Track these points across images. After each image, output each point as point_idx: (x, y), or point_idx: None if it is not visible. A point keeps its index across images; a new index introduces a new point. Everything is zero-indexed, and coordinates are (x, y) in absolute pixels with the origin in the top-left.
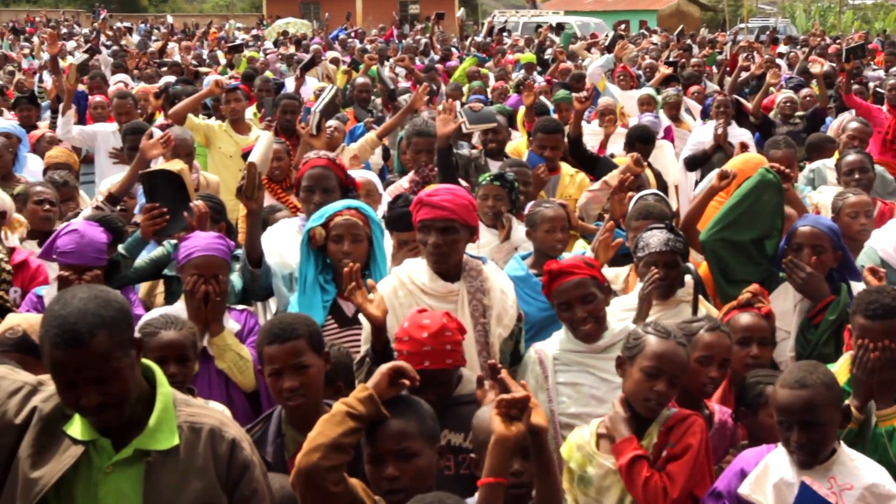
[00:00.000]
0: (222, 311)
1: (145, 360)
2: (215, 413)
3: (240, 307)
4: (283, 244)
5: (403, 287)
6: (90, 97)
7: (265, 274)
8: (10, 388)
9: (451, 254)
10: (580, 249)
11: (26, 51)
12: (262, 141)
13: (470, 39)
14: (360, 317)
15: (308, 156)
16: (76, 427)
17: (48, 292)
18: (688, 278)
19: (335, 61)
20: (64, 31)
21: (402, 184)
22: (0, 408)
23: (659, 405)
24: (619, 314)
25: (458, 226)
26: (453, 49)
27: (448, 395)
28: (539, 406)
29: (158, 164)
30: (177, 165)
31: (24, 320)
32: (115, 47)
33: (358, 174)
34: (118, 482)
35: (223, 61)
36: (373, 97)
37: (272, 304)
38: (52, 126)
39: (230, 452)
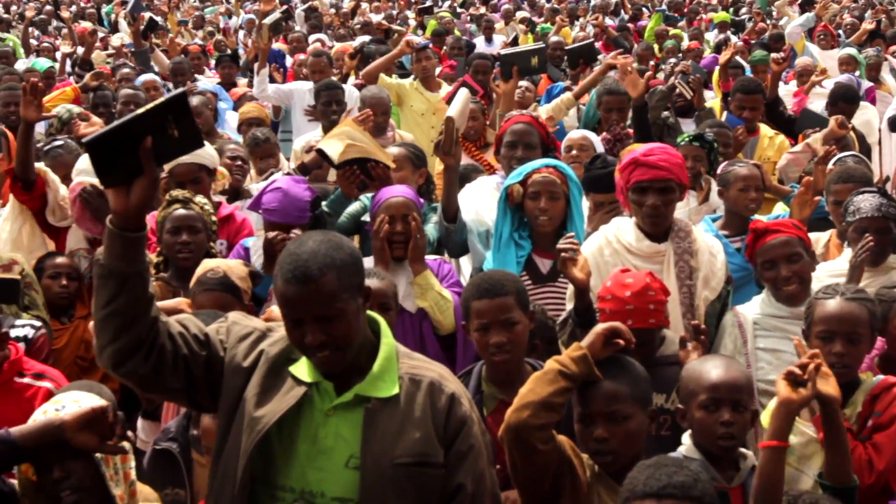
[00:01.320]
0: (423, 250)
1: (371, 313)
2: (436, 367)
3: (433, 256)
4: (481, 202)
5: (609, 246)
6: (291, 56)
7: (460, 230)
8: (241, 332)
9: (668, 214)
10: (779, 213)
11: (222, 9)
12: (459, 96)
13: None
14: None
15: (511, 113)
16: (302, 369)
17: (255, 244)
18: None
19: (525, 21)
20: None
21: None
22: (230, 351)
23: (845, 367)
24: (826, 280)
25: (674, 185)
26: (644, 9)
27: (650, 355)
28: (831, 376)
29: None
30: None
31: (223, 263)
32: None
33: (578, 133)
34: (338, 425)
35: (413, 22)
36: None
37: (467, 260)
38: (251, 85)
39: (449, 406)
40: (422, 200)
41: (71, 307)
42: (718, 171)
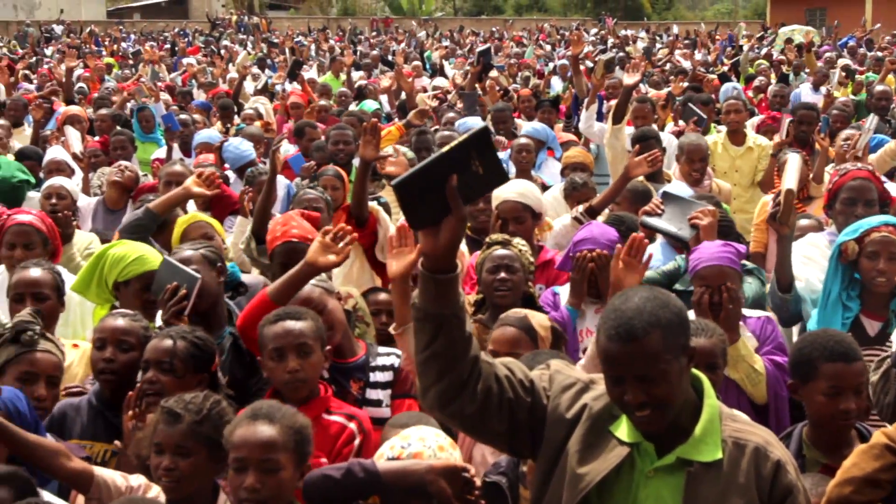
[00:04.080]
0: (736, 321)
1: (695, 371)
2: (761, 431)
3: (758, 313)
4: (812, 265)
5: None
6: (606, 101)
7: (795, 301)
8: (564, 382)
9: None
10: None
11: (540, 51)
12: (792, 165)
13: None
14: None
15: (845, 167)
16: (623, 429)
17: (563, 291)
18: None
19: (845, 68)
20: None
21: None
22: (554, 400)
23: None
24: None
25: None
26: None
27: None
28: None
29: None
30: None
31: (527, 311)
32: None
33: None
34: (658, 488)
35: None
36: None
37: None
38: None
39: (774, 474)
40: (742, 249)
41: (391, 341)
42: None
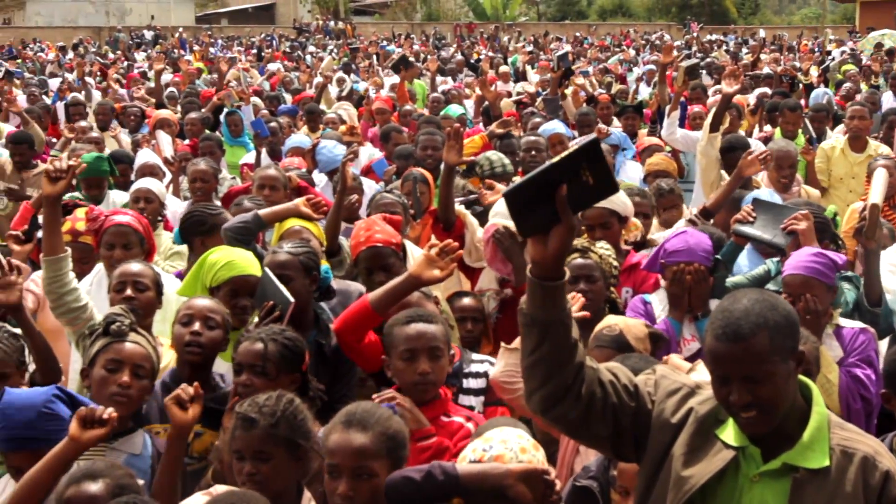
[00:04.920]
0: (816, 328)
1: (803, 378)
2: (870, 441)
3: (854, 324)
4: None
5: None
6: (689, 105)
7: (886, 314)
8: (670, 387)
9: None
10: None
11: (625, 55)
12: (878, 179)
13: None
14: None
15: None
16: (728, 432)
17: (654, 299)
18: None
19: None
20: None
21: None
22: (659, 405)
23: None
24: None
25: None
26: None
27: None
28: None
29: None
30: None
31: (622, 321)
32: (708, 59)
33: None
34: (763, 493)
35: (814, 72)
36: None
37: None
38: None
39: (882, 484)
40: (842, 260)
41: (476, 345)
42: None
